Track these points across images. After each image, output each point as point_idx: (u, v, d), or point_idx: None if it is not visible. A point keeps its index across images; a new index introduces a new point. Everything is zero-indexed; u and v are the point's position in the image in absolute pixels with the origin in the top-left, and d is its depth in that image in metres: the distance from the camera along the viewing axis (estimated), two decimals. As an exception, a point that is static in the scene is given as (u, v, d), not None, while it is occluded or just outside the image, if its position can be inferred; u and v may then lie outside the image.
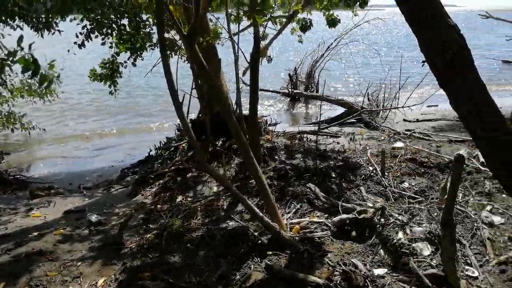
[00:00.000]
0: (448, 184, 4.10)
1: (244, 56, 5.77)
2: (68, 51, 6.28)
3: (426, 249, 3.71)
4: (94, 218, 5.07)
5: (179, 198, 5.04)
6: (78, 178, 7.49)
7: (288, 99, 12.68)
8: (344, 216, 4.14)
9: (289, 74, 12.53)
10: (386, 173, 5.40)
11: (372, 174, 5.38)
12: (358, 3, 7.28)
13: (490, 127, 2.51)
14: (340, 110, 10.50)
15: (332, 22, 7.85)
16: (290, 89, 12.49)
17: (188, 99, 7.07)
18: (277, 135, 7.51)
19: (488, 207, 4.59)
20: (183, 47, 6.66)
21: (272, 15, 5.00)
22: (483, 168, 5.42)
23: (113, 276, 3.72)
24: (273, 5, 5.02)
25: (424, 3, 2.55)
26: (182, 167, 5.85)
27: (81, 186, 6.86)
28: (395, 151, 6.28)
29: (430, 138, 7.28)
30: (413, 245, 3.75)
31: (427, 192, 4.95)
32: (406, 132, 7.64)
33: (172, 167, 6.02)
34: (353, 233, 4.00)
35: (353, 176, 5.42)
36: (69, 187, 6.98)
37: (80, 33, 6.19)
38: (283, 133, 7.72)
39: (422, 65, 2.78)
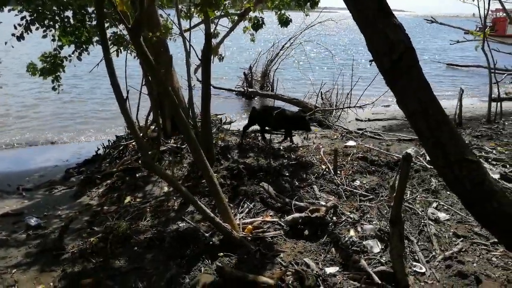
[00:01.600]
0: (397, 182, 4.19)
1: (196, 53, 5.61)
2: (6, 43, 5.81)
3: (376, 247, 3.75)
4: (33, 221, 4.73)
5: (128, 199, 4.81)
6: (18, 178, 6.94)
7: (243, 98, 12.61)
8: (296, 215, 4.10)
9: (244, 73, 12.46)
10: (338, 172, 5.45)
11: (324, 172, 5.41)
12: (309, 3, 7.32)
13: (435, 126, 2.55)
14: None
15: (285, 22, 7.83)
16: (245, 88, 12.43)
17: (138, 95, 6.82)
18: (232, 134, 7.40)
19: (434, 204, 4.74)
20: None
21: (224, 10, 4.88)
22: (429, 166, 5.61)
23: (51, 283, 3.47)
24: (225, 1, 4.91)
25: (370, 3, 2.55)
26: (131, 166, 5.60)
27: (20, 187, 6.37)
28: (347, 150, 6.37)
29: (381, 137, 7.47)
30: (364, 242, 3.78)
31: (377, 190, 5.04)
32: (358, 131, 7.80)
33: (121, 167, 5.74)
34: (306, 232, 3.97)
35: (306, 174, 5.42)
36: (7, 188, 6.46)
37: (19, 25, 5.73)
38: (238, 131, 7.61)
39: (370, 65, 2.79)
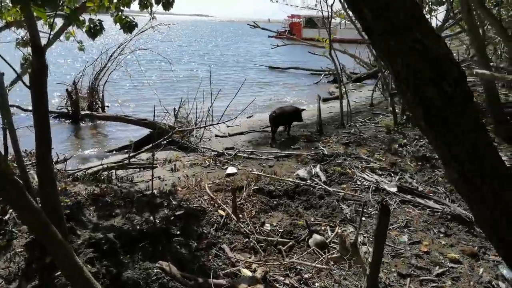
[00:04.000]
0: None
1: (14, 70, 3.63)
2: None
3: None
4: None
5: None
6: None
7: (67, 121, 10.10)
8: (231, 308, 2.84)
9: (67, 90, 9.98)
10: (240, 215, 4.34)
11: (226, 220, 4.23)
12: (160, 3, 5.96)
13: (491, 176, 1.73)
14: (133, 130, 8.93)
15: (128, 26, 6.26)
16: (69, 109, 10.01)
17: None
18: (74, 179, 5.45)
19: (360, 238, 4.11)
20: None
21: (64, 9, 3.19)
22: (331, 189, 5.03)
23: None
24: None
25: (401, 3, 1.56)
26: None
27: None
28: (234, 180, 5.32)
29: (257, 156, 6.66)
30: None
31: (294, 231, 4.15)
32: (230, 152, 6.81)
33: None
34: (248, 331, 2.76)
35: (202, 227, 4.14)
36: None
37: None
38: (84, 172, 5.71)
39: (397, 100, 1.77)
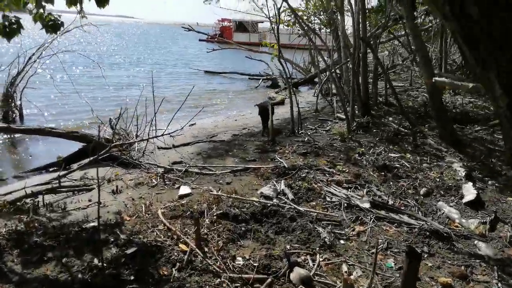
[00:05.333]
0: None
1: None
2: None
3: None
4: None
5: None
6: None
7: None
8: None
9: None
10: (206, 249, 3.67)
11: (191, 258, 3.52)
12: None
13: None
14: (56, 144, 7.77)
15: (52, 26, 5.31)
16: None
17: None
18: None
19: (345, 267, 3.64)
20: None
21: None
22: (302, 209, 4.52)
23: None
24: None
25: None
26: None
27: None
28: (192, 203, 4.60)
29: (211, 171, 5.97)
30: None
31: (272, 265, 3.55)
32: (179, 168, 6.05)
33: None
34: None
35: (161, 269, 3.40)
36: None
37: None
38: (1, 200, 4.64)
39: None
